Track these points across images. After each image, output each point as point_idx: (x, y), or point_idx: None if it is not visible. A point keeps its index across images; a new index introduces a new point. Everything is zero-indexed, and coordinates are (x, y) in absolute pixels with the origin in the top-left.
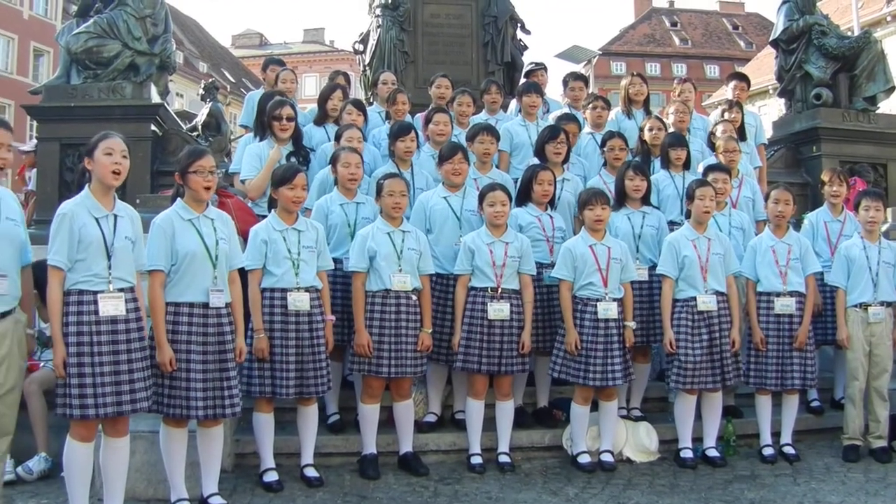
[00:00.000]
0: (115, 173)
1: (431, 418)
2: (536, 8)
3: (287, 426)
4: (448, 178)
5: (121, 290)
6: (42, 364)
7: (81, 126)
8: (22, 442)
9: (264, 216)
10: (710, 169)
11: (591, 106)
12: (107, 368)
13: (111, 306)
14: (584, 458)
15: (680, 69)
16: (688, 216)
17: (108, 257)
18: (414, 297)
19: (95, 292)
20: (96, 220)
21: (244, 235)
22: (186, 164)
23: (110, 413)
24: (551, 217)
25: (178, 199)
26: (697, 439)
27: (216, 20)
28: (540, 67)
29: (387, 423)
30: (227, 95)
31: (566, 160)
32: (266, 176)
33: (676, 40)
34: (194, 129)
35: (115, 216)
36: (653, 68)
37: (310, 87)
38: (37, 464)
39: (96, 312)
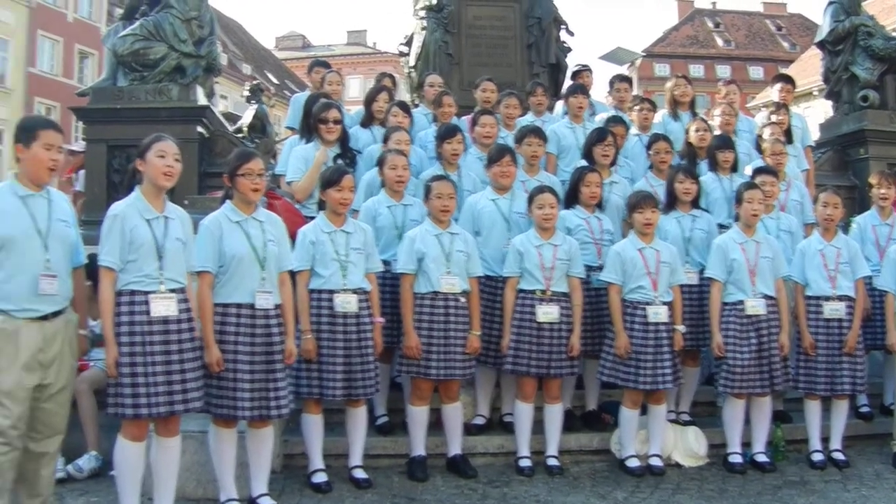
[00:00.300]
0: (167, 175)
1: (480, 421)
2: (579, 9)
3: (336, 427)
4: (496, 180)
5: (172, 290)
6: (92, 363)
7: (128, 128)
8: (72, 441)
9: (312, 218)
10: (757, 171)
11: (637, 108)
12: (159, 368)
13: (163, 307)
14: (633, 462)
15: (723, 70)
16: (736, 219)
17: (160, 258)
18: (462, 300)
19: (147, 293)
20: (147, 221)
21: (292, 237)
22: (235, 167)
23: (162, 413)
24: (599, 219)
25: (227, 201)
26: (746, 444)
27: (259, 22)
28: (585, 69)
29: (435, 425)
30: (270, 97)
31: (614, 162)
32: (312, 178)
33: (720, 41)
34: (239, 130)
35: (166, 218)
36: (696, 70)
37: (353, 88)
38: (87, 462)
39: (148, 313)
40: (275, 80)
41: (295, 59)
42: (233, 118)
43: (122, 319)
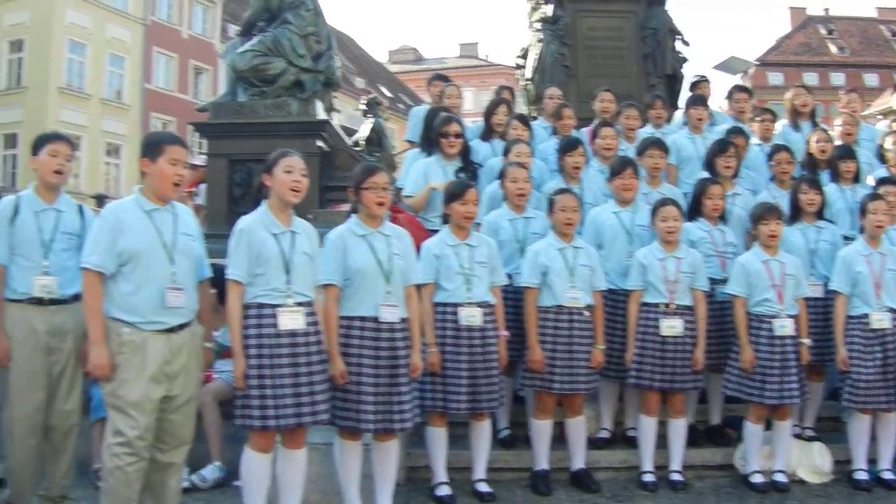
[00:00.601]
0: (295, 191)
1: (605, 434)
2: (692, 19)
3: (459, 440)
4: (619, 193)
5: (299, 304)
6: (216, 375)
7: (249, 142)
8: (196, 451)
9: (435, 231)
10: (881, 182)
11: (759, 119)
12: (287, 381)
13: (290, 320)
14: (757, 478)
15: (837, 78)
16: (861, 231)
17: (287, 272)
18: (586, 313)
19: (275, 306)
20: (274, 236)
21: (417, 251)
22: (360, 181)
23: (291, 424)
24: (722, 232)
25: (353, 214)
26: (872, 461)
27: (372, 36)
28: (704, 80)
29: (558, 438)
30: (384, 111)
31: (736, 174)
32: (425, 197)
33: (833, 49)
34: (356, 144)
35: (293, 232)
36: (810, 78)
37: (467, 101)
38: (211, 472)
39: (276, 325)
40: (388, 94)
41: (407, 72)
42: (348, 132)
43: (250, 332)
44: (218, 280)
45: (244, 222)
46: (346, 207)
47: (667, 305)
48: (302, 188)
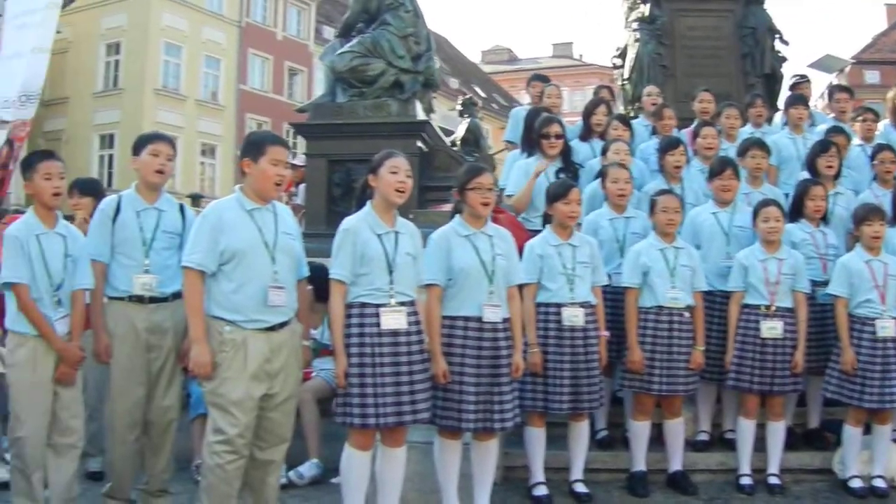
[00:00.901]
0: (398, 191)
1: (704, 437)
2: (787, 18)
3: (556, 441)
4: (718, 194)
5: (402, 303)
6: (315, 373)
7: (347, 143)
8: (293, 448)
9: (536, 231)
10: None
11: (860, 118)
12: (388, 379)
13: (393, 320)
14: (856, 483)
15: None
16: None
17: (390, 272)
18: (687, 314)
19: (378, 305)
20: (378, 236)
21: (520, 251)
22: (465, 181)
23: (391, 423)
24: (824, 234)
25: (457, 215)
26: None
27: (466, 37)
28: (804, 80)
29: (655, 440)
30: (478, 111)
31: (838, 174)
32: (529, 189)
33: None
34: (453, 144)
35: (397, 233)
36: None
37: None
38: (308, 469)
39: (378, 325)
40: (482, 94)
41: (501, 72)
42: (445, 132)
43: (352, 331)
44: (315, 279)
45: (349, 222)
46: (446, 208)
47: (767, 307)
48: (407, 189)
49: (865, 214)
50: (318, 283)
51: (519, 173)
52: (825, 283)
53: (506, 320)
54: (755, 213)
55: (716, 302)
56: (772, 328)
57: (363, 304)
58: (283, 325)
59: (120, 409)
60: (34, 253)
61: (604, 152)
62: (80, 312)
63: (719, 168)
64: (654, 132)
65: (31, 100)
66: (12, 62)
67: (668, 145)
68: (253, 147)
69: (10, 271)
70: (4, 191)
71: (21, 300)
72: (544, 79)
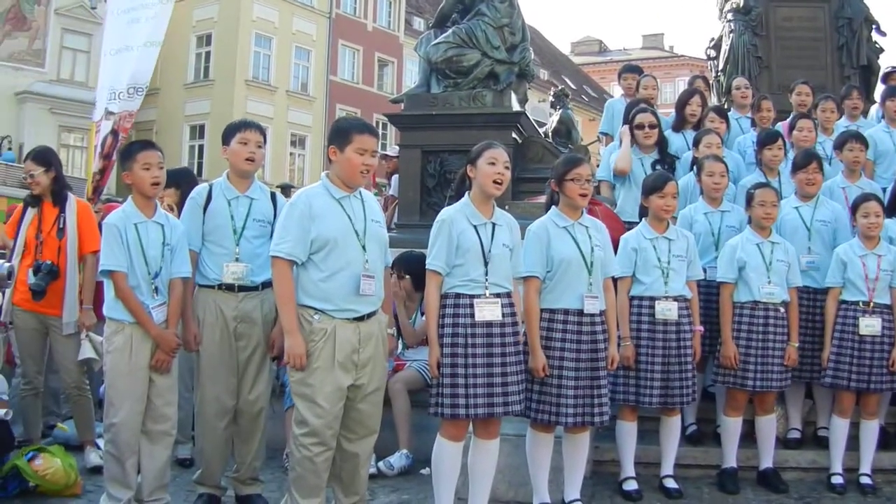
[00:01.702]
0: (496, 183)
1: (796, 434)
2: (885, 7)
3: (645, 435)
4: (802, 187)
5: (497, 295)
6: (408, 364)
7: (441, 133)
8: (383, 438)
9: (632, 223)
10: None
11: None
12: (480, 371)
13: (487, 311)
14: None
15: None
16: None
17: (486, 264)
18: (782, 310)
19: (472, 296)
20: (474, 227)
21: (613, 243)
22: (563, 172)
23: (481, 414)
24: None
25: (553, 206)
26: None
27: (556, 28)
28: None
29: (746, 436)
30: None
31: None
32: (626, 152)
33: None
34: (545, 135)
35: (494, 224)
36: None
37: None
38: (398, 460)
39: (472, 316)
40: (572, 85)
41: (591, 63)
42: (537, 123)
43: (446, 321)
44: (415, 268)
45: (446, 213)
46: (541, 199)
47: (866, 304)
48: (505, 180)
49: None
50: (418, 272)
51: (606, 160)
52: None
53: (602, 312)
54: (854, 208)
55: (802, 297)
56: (870, 325)
57: (458, 295)
58: (371, 314)
59: (209, 397)
60: (132, 241)
61: (695, 144)
62: (177, 300)
63: (804, 161)
64: (753, 124)
65: (138, 92)
66: (121, 55)
67: (767, 139)
68: (339, 135)
69: (109, 259)
70: (106, 179)
71: (119, 287)
72: (637, 70)
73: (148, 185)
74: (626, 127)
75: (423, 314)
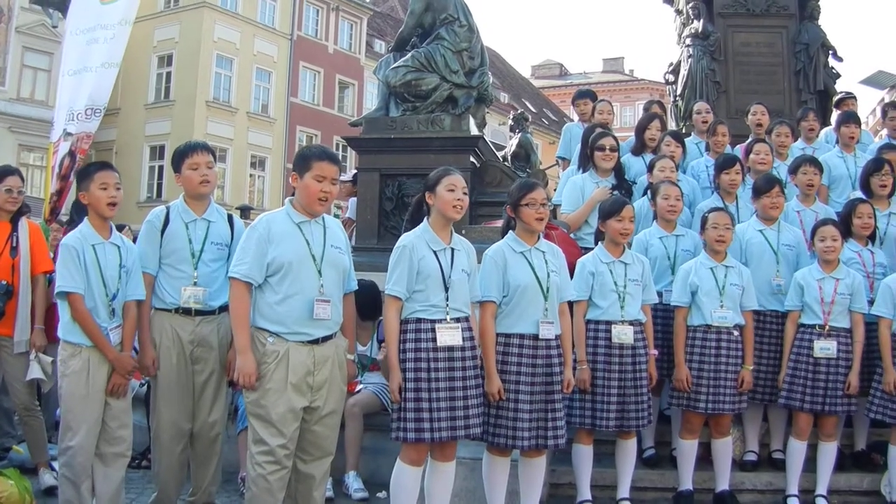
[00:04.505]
0: (456, 208)
1: (752, 457)
2: (841, 34)
3: (602, 458)
4: (766, 211)
5: (457, 320)
6: (361, 386)
7: (400, 157)
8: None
9: (587, 248)
10: None
11: None
12: (442, 394)
13: (448, 336)
14: None
15: None
16: None
17: (446, 289)
18: (735, 333)
19: (433, 321)
20: (434, 253)
21: (570, 268)
22: (519, 197)
23: (444, 437)
24: (872, 252)
25: (510, 231)
26: None
27: (517, 51)
28: (850, 96)
29: (701, 459)
30: (529, 126)
31: (892, 193)
32: (586, 213)
33: None
34: (504, 159)
35: (453, 249)
36: None
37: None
38: (353, 481)
39: (434, 340)
40: (532, 109)
41: (552, 86)
42: (496, 147)
43: (407, 346)
44: (359, 296)
45: (406, 239)
46: (499, 223)
47: (821, 327)
48: (464, 206)
49: None
50: (363, 300)
51: (573, 189)
52: (871, 303)
53: (558, 337)
54: (813, 232)
55: (767, 321)
56: (825, 348)
57: (419, 320)
58: (327, 338)
59: (165, 421)
60: (90, 263)
61: (650, 169)
62: (131, 323)
63: (767, 186)
64: (707, 149)
65: (96, 113)
66: (80, 76)
67: (725, 163)
68: (300, 161)
69: (66, 280)
70: (63, 201)
71: (76, 309)
72: (590, 95)
73: (104, 205)
74: (600, 191)
75: (379, 341)
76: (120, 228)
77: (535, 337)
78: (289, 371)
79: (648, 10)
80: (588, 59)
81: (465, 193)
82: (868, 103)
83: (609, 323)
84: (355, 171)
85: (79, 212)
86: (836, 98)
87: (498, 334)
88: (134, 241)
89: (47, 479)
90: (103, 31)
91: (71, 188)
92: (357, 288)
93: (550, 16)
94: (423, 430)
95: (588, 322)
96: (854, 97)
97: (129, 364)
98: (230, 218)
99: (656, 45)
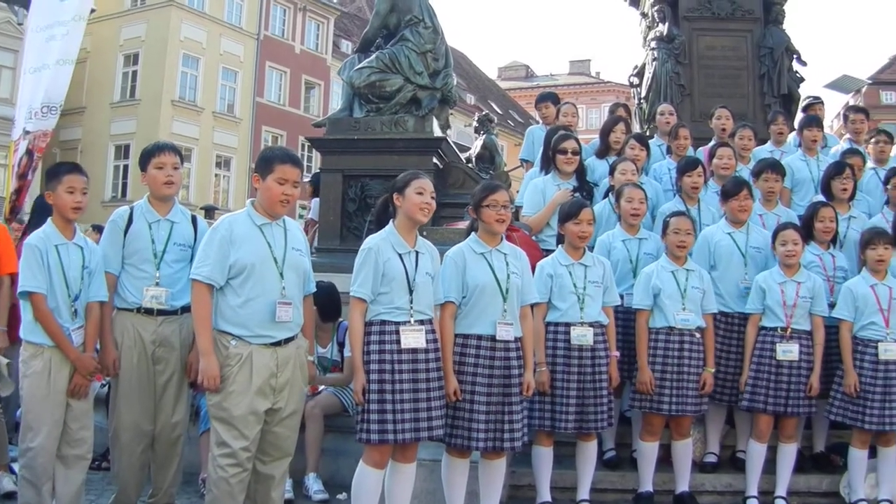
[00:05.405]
0: (424, 212)
1: (712, 458)
2: (806, 38)
3: (563, 460)
4: (734, 214)
5: (421, 322)
6: (321, 388)
7: (363, 158)
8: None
9: (549, 250)
10: None
11: (873, 140)
12: (406, 396)
13: (412, 339)
14: None
15: None
16: None
17: (410, 292)
18: (698, 335)
19: (398, 323)
20: (399, 255)
21: (530, 269)
22: (480, 198)
23: (408, 439)
24: (833, 256)
25: (473, 232)
26: None
27: (483, 52)
28: (817, 101)
29: (662, 461)
30: (495, 128)
31: (852, 196)
32: (547, 215)
33: None
34: (468, 160)
35: (417, 252)
36: None
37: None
38: (314, 483)
39: (398, 342)
40: (498, 110)
41: (518, 88)
42: (460, 148)
43: (371, 349)
44: (319, 298)
45: (372, 241)
46: (461, 225)
47: (784, 330)
48: (432, 210)
49: (870, 238)
50: (321, 302)
51: (534, 192)
52: (832, 306)
53: (518, 339)
54: (774, 236)
55: (734, 323)
56: (787, 351)
57: (383, 322)
58: (288, 340)
59: (126, 422)
60: (53, 263)
61: (611, 171)
62: (94, 324)
63: (735, 189)
64: (668, 151)
65: (52, 111)
66: (39, 74)
67: (687, 166)
68: (263, 163)
69: (29, 280)
70: (22, 200)
71: (38, 309)
72: (553, 98)
73: (69, 209)
74: (561, 193)
75: (339, 343)
76: (100, 230)
77: (493, 338)
78: (252, 374)
79: (615, 13)
80: (555, 61)
81: (432, 198)
82: (834, 107)
83: (568, 325)
84: (317, 171)
85: (40, 211)
86: (803, 103)
87: (456, 335)
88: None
89: (6, 483)
90: (59, 27)
91: (30, 187)
92: (315, 290)
93: (517, 18)
94: (387, 432)
95: (547, 324)
96: (821, 102)
97: (90, 365)
98: (194, 219)
99: (623, 48)
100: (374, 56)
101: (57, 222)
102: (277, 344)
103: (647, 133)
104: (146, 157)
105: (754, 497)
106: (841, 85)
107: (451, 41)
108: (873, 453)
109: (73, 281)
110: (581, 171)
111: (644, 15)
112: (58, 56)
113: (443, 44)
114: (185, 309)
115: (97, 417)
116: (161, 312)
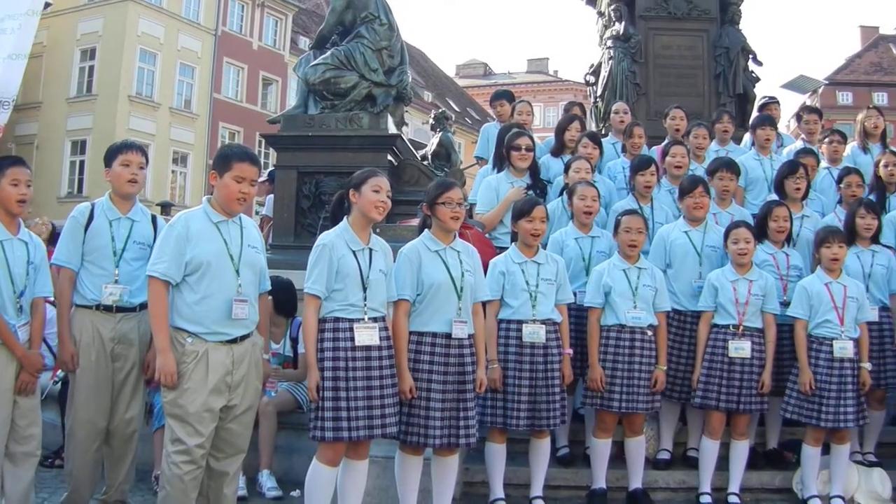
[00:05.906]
0: (380, 210)
1: (665, 455)
2: (762, 39)
3: (517, 457)
4: (690, 212)
5: (374, 319)
6: (278, 385)
7: (318, 154)
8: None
9: (502, 248)
10: None
11: (827, 140)
12: (360, 393)
13: (366, 336)
14: (815, 503)
15: None
16: None
17: (364, 289)
18: (649, 333)
19: (352, 321)
20: (353, 252)
21: (484, 267)
22: (435, 196)
23: (362, 436)
24: (787, 255)
25: (426, 230)
26: None
27: (441, 50)
28: (773, 101)
29: (616, 458)
30: (452, 125)
31: (805, 196)
32: (501, 213)
33: None
34: (424, 158)
35: (371, 250)
36: (880, 98)
37: (535, 117)
38: (267, 480)
39: (352, 339)
40: (456, 108)
41: (476, 86)
42: (416, 145)
43: (325, 346)
44: (276, 293)
45: (326, 238)
46: (414, 222)
47: (736, 327)
48: (387, 208)
49: (825, 237)
50: (279, 297)
51: (488, 189)
52: (786, 305)
53: (471, 336)
54: (726, 234)
55: (687, 321)
56: (739, 348)
57: (337, 319)
58: (244, 337)
59: (82, 418)
60: None
61: (566, 170)
62: (39, 321)
63: (691, 186)
64: (623, 150)
65: (5, 106)
66: None
67: (641, 164)
68: (220, 161)
69: None
70: None
71: None
72: (508, 96)
73: (14, 202)
74: (514, 191)
75: (292, 339)
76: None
77: (448, 336)
78: (208, 371)
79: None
80: (513, 59)
81: (388, 196)
82: (791, 107)
83: (520, 322)
84: (272, 168)
85: None
86: (759, 102)
87: (411, 332)
88: (53, 236)
89: None
90: (11, 21)
91: None
92: (270, 288)
93: (476, 15)
94: (342, 430)
95: (500, 321)
96: (777, 102)
97: (37, 362)
98: (154, 218)
99: (581, 47)
100: (329, 53)
101: (2, 218)
102: (233, 341)
103: (603, 131)
104: (113, 154)
105: (707, 493)
106: (798, 85)
107: (409, 38)
108: (826, 450)
109: (18, 277)
110: (534, 169)
111: (601, 14)
112: (10, 50)
113: (398, 41)
114: (144, 306)
115: (49, 415)
116: (120, 309)
